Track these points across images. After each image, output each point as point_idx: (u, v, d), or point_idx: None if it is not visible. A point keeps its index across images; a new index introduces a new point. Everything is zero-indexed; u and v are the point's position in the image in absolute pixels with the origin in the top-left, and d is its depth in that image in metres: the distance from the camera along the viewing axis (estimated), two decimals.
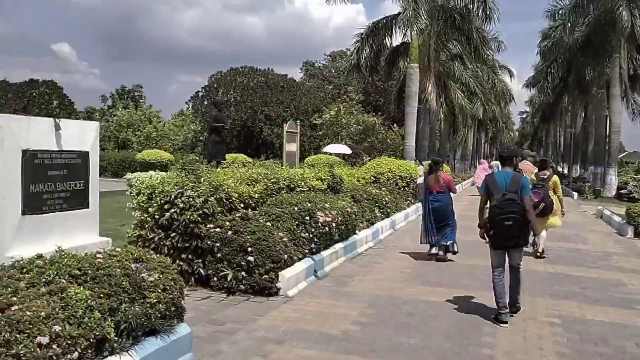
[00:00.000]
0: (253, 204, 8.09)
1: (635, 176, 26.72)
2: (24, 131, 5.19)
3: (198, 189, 6.51)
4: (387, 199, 12.69)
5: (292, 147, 19.17)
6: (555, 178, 9.76)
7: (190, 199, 6.31)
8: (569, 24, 27.68)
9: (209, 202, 6.49)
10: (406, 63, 26.63)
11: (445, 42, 29.21)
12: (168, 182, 6.60)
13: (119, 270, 3.62)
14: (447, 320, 5.76)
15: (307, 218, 7.55)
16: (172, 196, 6.32)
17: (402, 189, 16.06)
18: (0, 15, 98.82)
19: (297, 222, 7.38)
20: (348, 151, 26.36)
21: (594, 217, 17.42)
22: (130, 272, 3.64)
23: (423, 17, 23.39)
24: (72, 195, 5.73)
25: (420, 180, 10.99)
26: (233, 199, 7.37)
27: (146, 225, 6.40)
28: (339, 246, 8.43)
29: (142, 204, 6.55)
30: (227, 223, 6.48)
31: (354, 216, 9.44)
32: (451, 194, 9.40)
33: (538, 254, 9.53)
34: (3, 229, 4.92)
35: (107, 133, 35.71)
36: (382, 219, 11.92)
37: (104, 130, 36.24)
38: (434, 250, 9.14)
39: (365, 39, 26.23)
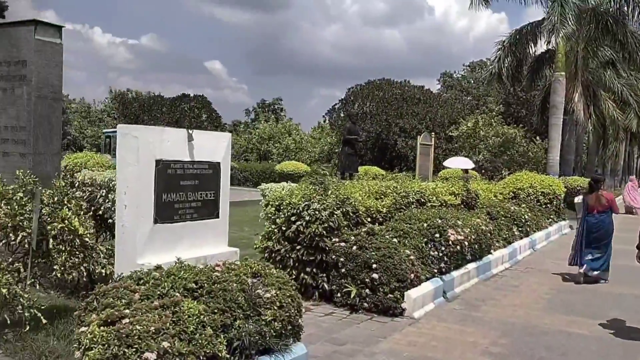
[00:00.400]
0: (380, 219, 7.83)
1: None
2: (157, 142, 5.43)
3: (324, 201, 6.40)
4: (527, 216, 11.69)
5: (425, 160, 18.60)
6: None
7: (317, 212, 6.22)
8: None
9: (335, 216, 6.35)
10: (551, 72, 24.73)
11: (595, 49, 26.64)
12: (296, 194, 6.58)
13: (235, 285, 3.56)
14: (592, 357, 5.00)
15: (437, 235, 7.11)
16: (299, 208, 6.28)
17: (544, 206, 14.76)
18: (160, 35, 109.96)
19: (425, 240, 6.98)
20: (469, 165, 24.91)
21: None
22: (247, 288, 3.56)
23: (570, 23, 21.53)
24: (202, 205, 5.90)
25: (578, 199, 10.12)
26: (360, 212, 7.18)
27: (273, 237, 6.43)
28: (471, 266, 7.85)
29: (270, 215, 6.60)
30: (352, 238, 6.29)
31: (489, 234, 8.77)
32: (613, 214, 8.57)
33: None
34: (135, 237, 5.16)
35: (250, 145, 37.78)
36: (521, 238, 11.00)
37: (247, 142, 38.40)
38: (583, 269, 8.35)
39: (507, 47, 24.83)
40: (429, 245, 6.96)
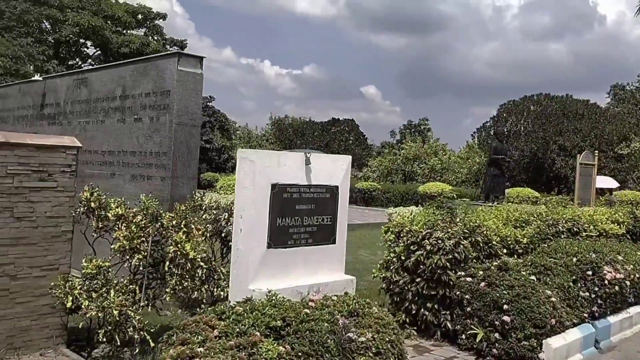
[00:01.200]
0: (521, 250, 6.93)
1: None
2: (274, 165, 5.33)
3: (450, 229, 5.80)
4: None
5: (586, 182, 16.63)
6: None
7: (440, 241, 5.63)
8: None
9: (462, 246, 5.71)
10: None
11: None
12: (417, 220, 6.08)
13: (326, 324, 3.21)
14: None
15: (589, 273, 6.06)
16: (420, 237, 5.75)
17: None
18: (320, 65, 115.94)
19: (574, 277, 5.98)
20: (613, 184, 21.48)
21: None
22: (337, 329, 3.19)
23: None
24: (318, 230, 5.67)
25: None
26: (493, 243, 6.40)
27: (392, 266, 5.97)
28: (634, 310, 6.58)
29: (389, 242, 6.17)
30: (481, 272, 5.57)
31: None
32: None
33: None
34: (248, 261, 5.07)
35: (394, 166, 37.29)
36: None
37: (391, 163, 37.98)
38: None
39: None
40: (579, 284, 5.95)
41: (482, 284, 5.40)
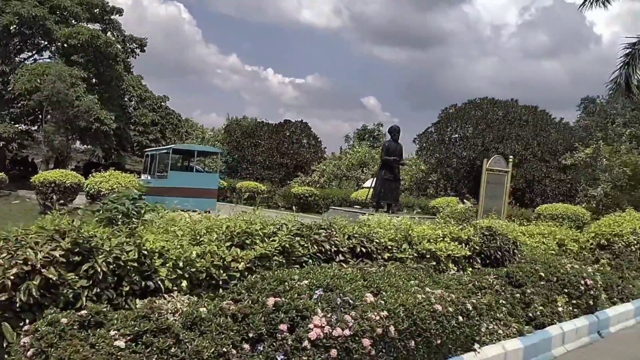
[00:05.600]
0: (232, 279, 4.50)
1: None
2: None
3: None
4: (594, 280, 7.34)
5: (497, 191, 14.38)
6: None
7: None
8: None
9: None
10: None
11: None
12: None
13: None
14: None
15: (282, 327, 3.66)
16: None
17: None
18: (322, 74, 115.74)
19: (260, 331, 3.57)
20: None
21: None
22: None
23: None
24: None
25: None
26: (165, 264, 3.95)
27: None
28: None
29: None
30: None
31: (457, 320, 4.92)
32: None
33: None
34: None
35: (338, 171, 35.02)
36: (574, 316, 6.78)
37: (336, 168, 35.72)
38: None
39: (638, 50, 19.18)
40: (263, 346, 3.54)
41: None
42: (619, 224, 10.75)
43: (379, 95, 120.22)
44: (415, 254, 6.36)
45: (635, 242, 10.28)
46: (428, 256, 6.54)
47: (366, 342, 3.92)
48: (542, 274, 6.79)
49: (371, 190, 13.92)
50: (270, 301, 3.81)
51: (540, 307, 6.37)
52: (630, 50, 18.84)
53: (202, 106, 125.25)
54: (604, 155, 24.02)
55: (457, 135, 27.39)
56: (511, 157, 15.72)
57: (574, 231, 10.10)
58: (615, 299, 8.02)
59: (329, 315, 3.84)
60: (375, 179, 13.82)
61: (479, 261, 7.20)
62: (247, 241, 4.72)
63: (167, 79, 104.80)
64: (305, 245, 5.05)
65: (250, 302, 3.83)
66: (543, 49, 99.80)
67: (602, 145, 24.23)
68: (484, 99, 28.03)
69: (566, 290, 6.83)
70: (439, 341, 4.58)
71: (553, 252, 8.48)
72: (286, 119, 45.55)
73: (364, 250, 5.61)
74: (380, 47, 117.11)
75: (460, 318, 4.97)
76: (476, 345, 5.11)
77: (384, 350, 4.08)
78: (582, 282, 6.93)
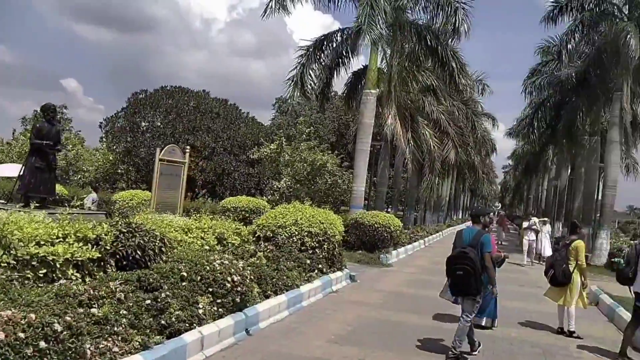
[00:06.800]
0: None
1: (632, 242, 21.37)
2: None
3: None
4: (242, 275, 6.78)
5: (173, 184, 13.36)
6: (579, 244, 8.33)
7: None
8: (565, 53, 22.43)
9: None
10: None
11: (416, 71, 24.05)
12: None
13: None
14: None
15: None
16: None
17: (311, 252, 10.32)
18: (9, 47, 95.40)
19: None
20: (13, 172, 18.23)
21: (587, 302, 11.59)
22: None
23: (379, 27, 18.19)
24: None
25: None
26: None
27: None
28: None
29: None
30: None
31: None
32: None
33: (566, 330, 8.33)
34: None
35: (7, 158, 29.70)
36: (218, 316, 6.05)
37: (4, 155, 30.24)
38: None
39: (311, 53, 20.74)
40: None
41: None
42: (283, 215, 10.86)
43: (81, 78, 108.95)
44: (14, 261, 4.70)
45: (296, 232, 10.47)
46: (35, 263, 4.96)
47: None
48: (185, 274, 5.90)
49: (18, 181, 11.31)
50: None
51: (178, 312, 5.44)
52: (305, 52, 20.43)
53: None
54: (286, 151, 25.64)
55: (146, 124, 25.72)
56: (188, 147, 14.91)
57: (236, 224, 9.71)
58: (269, 292, 7.74)
59: None
60: (23, 167, 11.25)
61: (113, 264, 5.91)
62: None
63: None
64: None
65: None
66: (250, 48, 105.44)
67: (284, 142, 25.78)
68: (176, 87, 27.02)
69: (211, 290, 6.09)
70: None
71: (208, 247, 7.77)
72: None
73: None
74: (82, 25, 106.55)
75: (43, 344, 3.62)
76: None
77: None
78: (229, 278, 6.29)
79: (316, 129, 44.03)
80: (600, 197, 23.65)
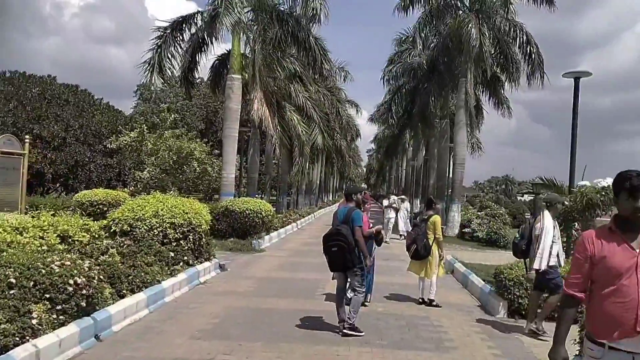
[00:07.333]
0: None
1: (479, 213, 23.51)
2: None
3: None
4: (88, 277, 6.06)
5: (10, 177, 11.86)
6: (435, 218, 8.83)
7: None
8: (420, 42, 23.71)
9: None
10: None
11: (281, 57, 23.87)
12: None
13: None
14: None
15: None
16: None
17: (175, 244, 9.73)
18: None
19: None
20: None
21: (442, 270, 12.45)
22: None
23: (236, 10, 17.68)
24: None
25: None
26: None
27: None
28: None
29: None
30: None
31: None
32: None
33: (426, 300, 8.83)
34: None
35: None
36: (60, 325, 5.33)
37: None
38: None
39: (169, 34, 19.55)
40: None
41: None
42: (142, 207, 10.11)
43: None
44: None
45: (157, 224, 9.79)
46: None
47: None
48: (13, 280, 5.11)
49: None
50: None
51: (4, 326, 4.68)
52: (162, 33, 19.28)
53: None
54: (149, 140, 24.22)
55: None
56: (28, 137, 13.34)
57: (84, 219, 8.78)
58: (124, 291, 7.09)
59: None
60: None
61: None
62: None
63: None
64: None
65: None
66: (108, 35, 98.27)
67: (146, 130, 24.33)
68: (16, 73, 24.22)
69: (48, 296, 5.35)
70: None
71: (47, 248, 6.88)
72: None
73: None
74: None
75: None
76: None
77: None
78: (71, 281, 5.58)
79: (183, 116, 42.31)
80: (451, 175, 25.45)
